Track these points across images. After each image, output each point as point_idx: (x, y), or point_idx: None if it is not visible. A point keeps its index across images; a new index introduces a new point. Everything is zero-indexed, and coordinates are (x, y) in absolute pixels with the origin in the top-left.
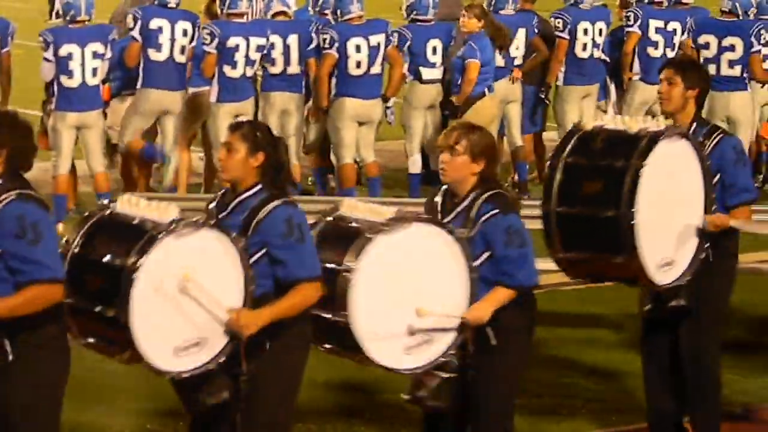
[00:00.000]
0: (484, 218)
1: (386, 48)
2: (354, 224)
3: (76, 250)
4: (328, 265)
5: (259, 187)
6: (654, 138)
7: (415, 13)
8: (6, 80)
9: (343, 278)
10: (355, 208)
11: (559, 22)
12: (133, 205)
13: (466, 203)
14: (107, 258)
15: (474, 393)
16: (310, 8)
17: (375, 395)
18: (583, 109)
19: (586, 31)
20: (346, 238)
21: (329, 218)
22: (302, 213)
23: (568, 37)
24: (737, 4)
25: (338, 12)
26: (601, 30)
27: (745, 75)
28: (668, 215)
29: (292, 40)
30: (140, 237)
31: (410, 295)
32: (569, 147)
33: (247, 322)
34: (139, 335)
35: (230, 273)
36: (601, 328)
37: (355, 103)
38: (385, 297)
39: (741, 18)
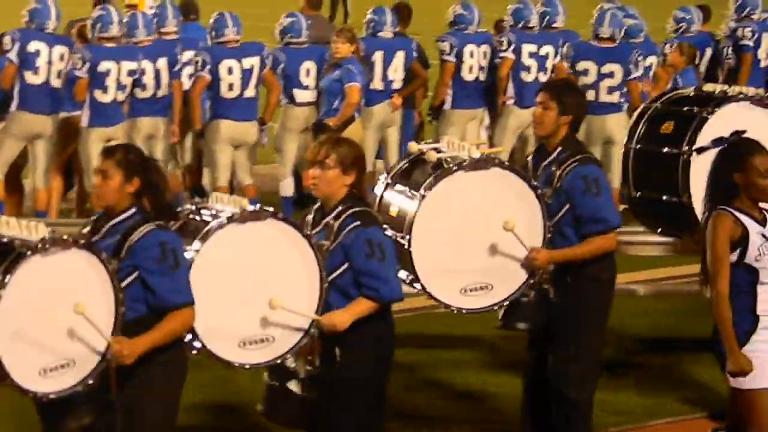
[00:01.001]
0: (345, 230)
1: (261, 71)
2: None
3: None
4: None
5: (133, 210)
6: (444, 172)
7: (289, 36)
8: None
9: None
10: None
11: (445, 46)
12: (3, 225)
13: (332, 215)
14: None
15: (321, 412)
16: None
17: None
18: (466, 131)
19: (472, 54)
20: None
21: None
22: (177, 238)
23: (454, 60)
24: (615, 30)
25: (213, 33)
26: (485, 53)
27: (621, 100)
28: (482, 242)
29: (162, 63)
30: (7, 255)
31: (258, 289)
32: (398, 168)
33: (130, 353)
34: (3, 353)
35: (100, 294)
36: (472, 349)
37: (229, 126)
38: (226, 290)
39: (617, 43)
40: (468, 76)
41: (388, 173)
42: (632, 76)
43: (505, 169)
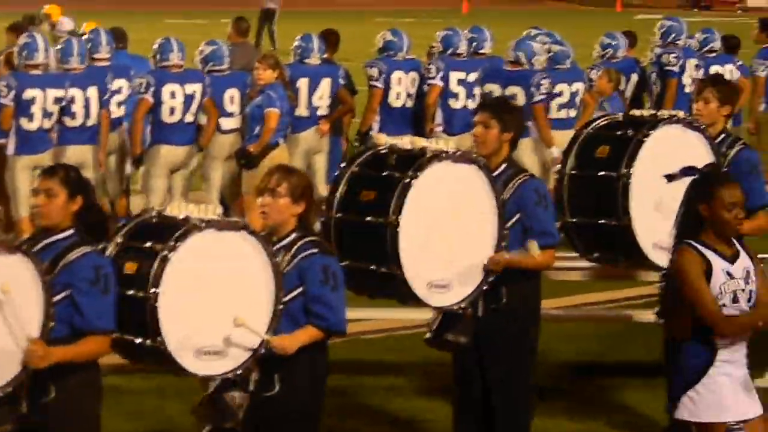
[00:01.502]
0: (302, 255)
1: (203, 98)
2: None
3: None
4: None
5: (71, 231)
6: (435, 157)
7: (211, 64)
8: None
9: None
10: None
11: (373, 71)
12: None
13: (287, 241)
14: None
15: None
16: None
17: None
18: None
19: (399, 81)
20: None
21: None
22: (111, 264)
23: (382, 86)
24: (520, 54)
25: (158, 57)
26: (413, 80)
27: (529, 124)
28: (449, 237)
29: (92, 92)
30: None
31: (221, 299)
32: (360, 159)
33: (44, 355)
34: None
35: (34, 303)
36: (404, 376)
37: (170, 150)
38: (193, 294)
39: (526, 67)
40: (395, 102)
41: (348, 162)
42: (535, 100)
43: (481, 168)
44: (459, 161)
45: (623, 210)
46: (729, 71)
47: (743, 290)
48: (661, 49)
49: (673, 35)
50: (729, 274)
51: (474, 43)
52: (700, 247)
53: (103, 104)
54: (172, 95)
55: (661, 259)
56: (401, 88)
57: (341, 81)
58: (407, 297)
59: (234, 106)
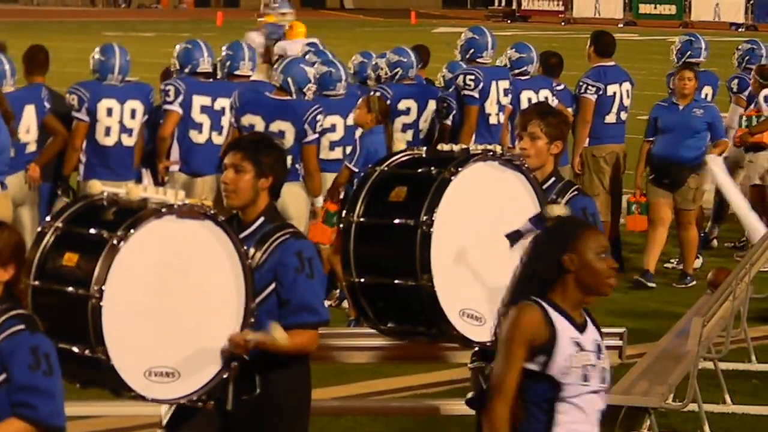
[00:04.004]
0: (5, 334)
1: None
2: None
3: None
4: None
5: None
6: (154, 212)
7: None
8: None
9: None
10: None
11: (73, 99)
12: None
13: None
14: None
15: None
16: None
17: None
18: None
19: (110, 112)
20: None
21: None
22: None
23: (87, 119)
24: (290, 80)
25: None
26: (134, 111)
27: (297, 166)
28: (177, 313)
29: None
30: None
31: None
32: (69, 212)
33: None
34: None
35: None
36: None
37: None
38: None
39: (295, 97)
40: (105, 140)
41: (54, 216)
42: (308, 140)
43: (218, 225)
44: (186, 216)
45: (423, 266)
46: (544, 98)
47: (594, 366)
48: (456, 70)
49: (472, 51)
50: (579, 344)
51: (228, 62)
52: (547, 306)
53: None
54: None
55: (471, 330)
56: (112, 121)
57: (46, 105)
58: (119, 387)
59: None
